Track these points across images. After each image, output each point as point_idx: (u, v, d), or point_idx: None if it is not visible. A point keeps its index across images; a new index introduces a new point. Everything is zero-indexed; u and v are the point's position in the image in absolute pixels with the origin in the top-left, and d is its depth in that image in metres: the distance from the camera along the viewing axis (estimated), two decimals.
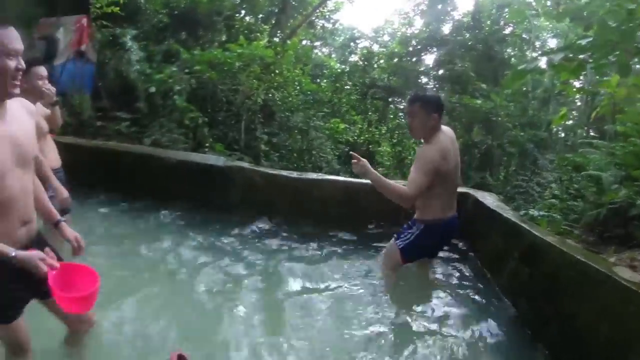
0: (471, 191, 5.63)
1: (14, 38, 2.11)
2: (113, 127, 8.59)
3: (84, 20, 8.68)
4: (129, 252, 4.75)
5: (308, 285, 4.37)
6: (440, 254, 4.67)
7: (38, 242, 2.47)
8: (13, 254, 2.09)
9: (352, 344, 3.47)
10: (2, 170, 2.14)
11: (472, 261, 4.97)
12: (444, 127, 4.05)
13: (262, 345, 3.35)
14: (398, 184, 3.92)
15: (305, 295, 4.20)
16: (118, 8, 8.64)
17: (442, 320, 3.83)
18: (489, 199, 5.19)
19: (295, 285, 4.36)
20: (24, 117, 2.34)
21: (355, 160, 3.83)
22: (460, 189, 5.67)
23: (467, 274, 4.69)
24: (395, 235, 4.21)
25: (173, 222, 5.68)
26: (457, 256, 5.01)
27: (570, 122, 12.18)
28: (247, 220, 5.76)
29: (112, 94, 9.14)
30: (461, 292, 4.33)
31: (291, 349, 3.33)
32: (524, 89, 12.03)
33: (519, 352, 3.44)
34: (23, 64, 2.15)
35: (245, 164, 6.57)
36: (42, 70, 3.90)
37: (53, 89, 3.99)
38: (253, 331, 3.54)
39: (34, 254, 2.14)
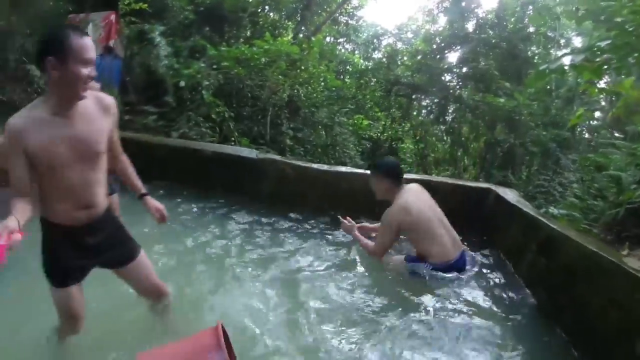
0: (493, 186, 5.85)
1: (90, 48, 2.32)
2: (141, 120, 8.79)
3: (112, 17, 8.88)
4: (165, 237, 4.94)
5: (333, 270, 4.54)
6: (465, 241, 4.98)
7: (104, 222, 2.74)
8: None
9: (372, 327, 3.63)
10: (63, 165, 2.41)
11: (494, 253, 5.13)
12: (410, 185, 4.62)
13: (283, 325, 3.53)
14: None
15: (330, 280, 4.35)
16: (146, 5, 8.78)
17: (463, 308, 3.97)
18: (510, 195, 5.37)
19: (320, 270, 4.54)
20: (95, 114, 2.54)
21: (345, 221, 4.95)
22: (482, 185, 5.92)
23: (488, 265, 4.85)
24: (405, 256, 4.58)
25: (207, 211, 5.87)
26: (478, 249, 5.18)
27: (595, 122, 12.13)
28: (278, 210, 5.95)
29: (138, 88, 9.34)
30: (482, 282, 4.47)
31: (311, 332, 3.49)
32: (548, 87, 12.02)
33: (537, 339, 3.55)
34: (94, 72, 2.36)
35: (277, 157, 6.77)
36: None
37: (98, 85, 4.27)
38: (273, 309, 3.74)
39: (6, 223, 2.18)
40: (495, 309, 4.00)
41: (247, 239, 5.17)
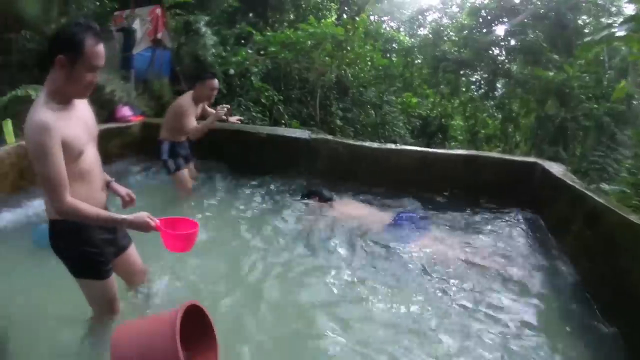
0: (539, 160, 5.89)
1: (102, 56, 2.40)
2: None
3: (158, 10, 9.07)
4: (221, 214, 5.34)
5: (392, 245, 4.66)
6: (508, 218, 5.29)
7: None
8: (122, 219, 2.52)
9: (415, 295, 3.80)
10: (85, 146, 2.54)
11: (539, 226, 5.21)
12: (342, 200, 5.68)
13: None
14: None
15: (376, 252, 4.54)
16: None
17: (506, 280, 4.07)
18: (556, 168, 5.40)
19: (370, 246, 4.66)
20: (85, 105, 2.70)
21: None
22: (528, 159, 5.99)
23: (533, 238, 4.93)
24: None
25: (264, 189, 6.15)
26: (524, 222, 5.27)
27: None
28: (331, 186, 6.12)
29: (189, 77, 9.58)
30: (526, 254, 4.56)
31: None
32: (601, 58, 11.68)
33: (579, 309, 3.64)
34: (97, 78, 2.46)
35: (330, 137, 6.99)
36: (215, 83, 5.40)
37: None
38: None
39: (142, 214, 2.55)
40: (537, 279, 4.09)
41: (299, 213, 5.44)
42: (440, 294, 3.81)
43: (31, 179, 5.16)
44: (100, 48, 2.38)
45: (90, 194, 2.60)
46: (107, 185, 2.96)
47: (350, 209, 5.33)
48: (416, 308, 3.59)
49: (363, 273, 4.08)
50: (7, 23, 7.89)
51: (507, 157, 6.38)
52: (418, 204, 5.79)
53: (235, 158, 6.62)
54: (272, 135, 6.85)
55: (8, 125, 5.46)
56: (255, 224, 5.02)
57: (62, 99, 2.44)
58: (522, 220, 5.28)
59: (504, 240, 4.84)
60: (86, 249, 2.64)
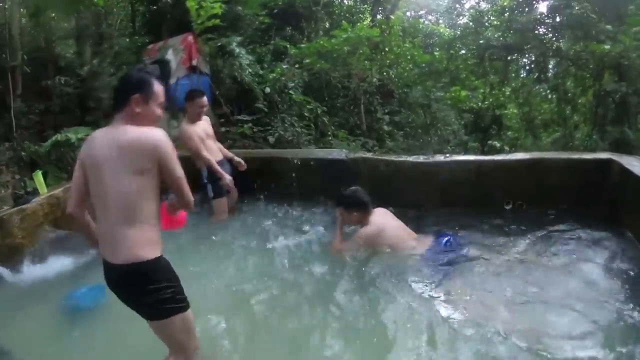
0: (614, 157, 5.14)
1: (163, 94, 2.82)
2: (236, 130, 8.93)
3: (190, 38, 9.07)
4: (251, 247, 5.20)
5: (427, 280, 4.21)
6: (588, 228, 4.71)
7: None
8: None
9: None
10: None
11: (625, 235, 4.58)
12: (377, 209, 4.86)
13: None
14: None
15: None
16: (218, 20, 8.77)
17: (591, 297, 3.69)
18: (637, 165, 4.64)
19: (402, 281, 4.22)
20: None
21: None
22: (601, 155, 5.36)
23: (619, 250, 4.36)
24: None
25: (307, 216, 5.82)
26: (607, 231, 4.65)
27: None
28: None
29: (230, 99, 9.49)
30: (612, 268, 4.09)
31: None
32: None
33: None
34: (163, 115, 2.87)
35: (369, 154, 6.48)
36: (204, 101, 5.67)
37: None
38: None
39: None
40: (623, 293, 3.69)
41: None
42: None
43: (67, 227, 5.15)
44: (162, 88, 2.82)
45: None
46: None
47: (388, 230, 4.68)
48: None
49: (392, 317, 3.68)
50: (45, 70, 8.14)
51: (576, 156, 5.63)
52: (473, 221, 5.19)
53: (269, 187, 6.28)
54: (306, 159, 6.38)
55: (38, 177, 5.54)
56: (290, 258, 4.94)
57: None
58: (604, 230, 4.65)
59: (581, 264, 4.26)
60: (174, 283, 2.70)
